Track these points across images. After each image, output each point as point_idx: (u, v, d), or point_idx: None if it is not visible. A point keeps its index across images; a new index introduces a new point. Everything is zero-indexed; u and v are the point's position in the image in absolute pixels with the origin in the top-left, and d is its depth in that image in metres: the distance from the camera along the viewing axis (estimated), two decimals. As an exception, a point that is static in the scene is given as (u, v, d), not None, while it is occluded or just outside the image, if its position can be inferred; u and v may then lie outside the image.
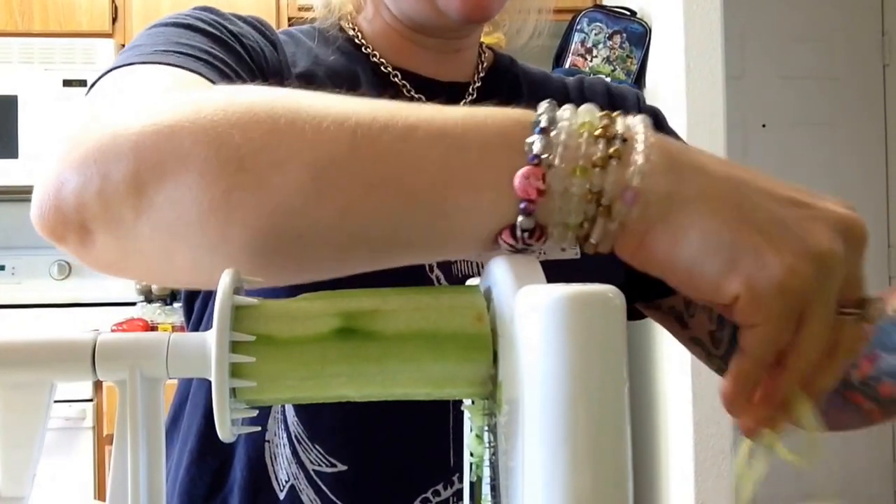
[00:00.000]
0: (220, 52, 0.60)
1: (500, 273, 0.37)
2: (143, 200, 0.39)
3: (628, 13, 2.42)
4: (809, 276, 0.36)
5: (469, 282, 0.43)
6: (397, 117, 0.39)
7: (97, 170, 0.40)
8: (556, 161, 0.37)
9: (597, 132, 0.37)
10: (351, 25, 0.77)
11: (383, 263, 0.42)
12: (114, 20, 2.55)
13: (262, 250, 0.39)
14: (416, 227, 0.39)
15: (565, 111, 0.38)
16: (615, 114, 0.39)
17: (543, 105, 0.39)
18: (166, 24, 0.61)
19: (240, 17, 0.68)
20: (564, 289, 0.31)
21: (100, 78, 0.53)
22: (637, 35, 2.38)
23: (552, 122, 0.38)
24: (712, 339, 0.76)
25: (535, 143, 0.37)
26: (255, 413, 0.37)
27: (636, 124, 0.38)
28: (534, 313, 0.32)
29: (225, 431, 0.35)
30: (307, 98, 0.40)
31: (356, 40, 0.76)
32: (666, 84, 2.24)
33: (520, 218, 0.37)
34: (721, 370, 0.77)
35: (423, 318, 0.37)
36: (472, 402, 0.40)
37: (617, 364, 0.31)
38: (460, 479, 0.67)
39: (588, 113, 0.38)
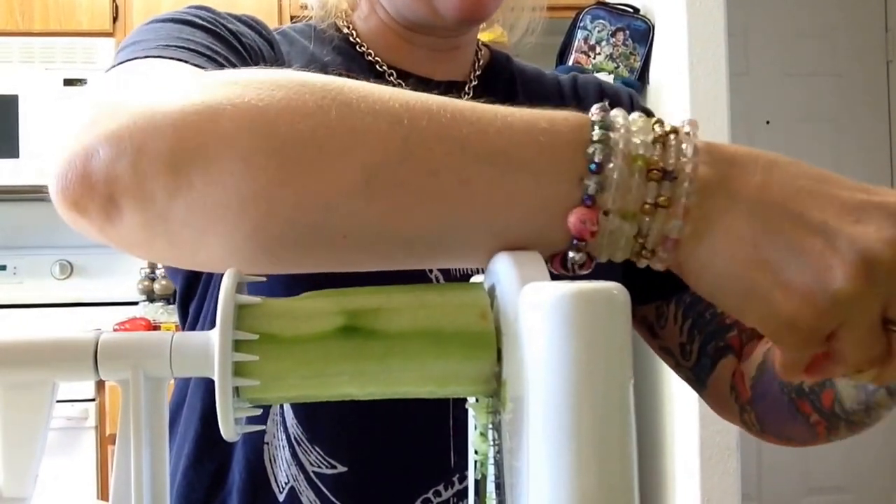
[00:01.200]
0: (220, 48, 0.59)
1: (503, 270, 0.37)
2: (181, 180, 0.38)
3: (631, 10, 2.42)
4: (821, 315, 0.36)
5: (473, 279, 0.43)
6: (451, 127, 0.38)
7: (132, 143, 0.38)
8: (610, 204, 0.38)
9: (650, 173, 0.37)
10: (346, 24, 0.76)
11: (419, 264, 0.42)
12: (114, 19, 2.55)
13: (301, 243, 0.39)
14: (463, 240, 0.39)
15: (618, 140, 0.38)
16: (668, 130, 0.38)
17: (597, 129, 0.38)
18: (164, 21, 0.60)
19: (235, 17, 0.68)
20: (569, 286, 0.31)
21: (106, 73, 0.52)
22: (640, 32, 2.38)
23: (606, 157, 0.37)
24: (682, 350, 0.76)
25: (591, 185, 0.37)
26: (258, 412, 0.37)
27: (686, 155, 0.38)
28: (538, 310, 0.31)
29: (228, 430, 0.35)
30: (355, 89, 0.39)
31: (351, 39, 0.75)
32: (670, 81, 2.24)
33: (571, 254, 0.39)
34: (690, 380, 0.77)
35: (427, 316, 0.36)
36: (477, 400, 0.40)
37: (622, 361, 0.31)
38: (461, 480, 0.67)
39: (642, 141, 0.38)
